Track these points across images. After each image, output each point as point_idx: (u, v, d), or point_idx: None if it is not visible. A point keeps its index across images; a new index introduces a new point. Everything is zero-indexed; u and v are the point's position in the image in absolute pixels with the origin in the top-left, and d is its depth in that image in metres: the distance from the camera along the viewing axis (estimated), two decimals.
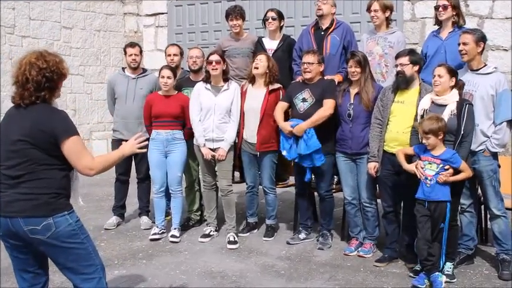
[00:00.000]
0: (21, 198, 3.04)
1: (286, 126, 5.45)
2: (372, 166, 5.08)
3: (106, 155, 3.37)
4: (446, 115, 4.58)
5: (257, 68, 5.65)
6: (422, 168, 4.57)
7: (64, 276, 3.36)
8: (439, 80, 4.63)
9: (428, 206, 4.56)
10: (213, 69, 5.62)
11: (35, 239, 3.06)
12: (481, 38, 4.85)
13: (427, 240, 4.54)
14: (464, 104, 4.62)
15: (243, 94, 5.77)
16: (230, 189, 5.74)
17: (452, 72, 4.66)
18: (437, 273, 4.48)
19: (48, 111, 3.10)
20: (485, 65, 4.93)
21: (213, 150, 5.68)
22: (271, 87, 5.69)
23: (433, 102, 4.71)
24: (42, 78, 3.08)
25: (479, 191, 5.11)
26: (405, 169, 4.69)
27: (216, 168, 5.82)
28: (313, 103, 5.43)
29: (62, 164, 3.11)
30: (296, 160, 5.46)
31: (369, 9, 5.78)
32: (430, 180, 4.53)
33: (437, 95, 4.68)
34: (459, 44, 4.86)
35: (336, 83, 5.56)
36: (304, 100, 5.48)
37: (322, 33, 5.91)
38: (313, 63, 5.42)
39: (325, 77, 5.61)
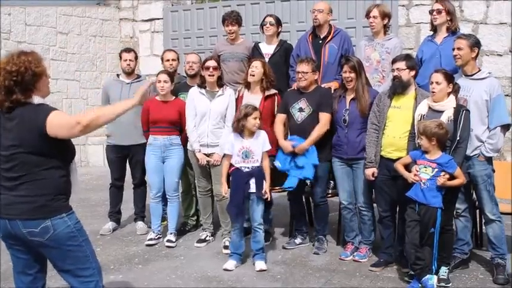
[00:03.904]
0: (19, 201, 3.05)
1: (287, 146, 5.44)
2: (370, 172, 5.08)
3: (102, 108, 3.31)
4: (443, 121, 4.60)
5: (253, 76, 5.65)
6: (417, 171, 4.59)
7: (60, 282, 3.37)
8: (437, 87, 4.64)
9: (419, 210, 4.57)
10: (209, 75, 5.62)
11: (34, 240, 3.07)
12: (475, 44, 4.87)
13: (415, 244, 4.55)
14: (461, 110, 4.63)
15: (240, 99, 5.78)
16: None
17: (450, 78, 4.68)
18: (427, 276, 4.49)
19: (27, 113, 3.06)
20: (480, 70, 4.95)
21: (208, 155, 5.68)
22: (267, 93, 5.70)
23: (430, 107, 4.73)
24: (10, 82, 3.03)
25: (474, 195, 5.13)
26: (407, 178, 4.70)
27: (211, 174, 5.82)
28: (310, 113, 5.44)
29: (58, 162, 3.11)
30: (288, 171, 5.48)
31: (367, 15, 5.79)
32: (424, 184, 4.55)
33: (434, 101, 4.70)
34: (454, 49, 4.89)
35: (333, 90, 5.59)
36: (301, 110, 5.48)
37: (320, 41, 5.94)
38: (307, 72, 5.42)
39: (322, 85, 5.63)
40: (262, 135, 5.23)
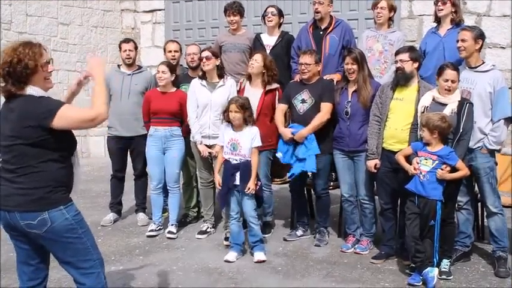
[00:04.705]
0: (17, 193, 3.04)
1: (287, 133, 5.43)
2: (372, 164, 5.07)
3: (96, 94, 3.21)
4: (446, 113, 4.58)
5: (252, 68, 5.64)
6: (417, 163, 4.57)
7: (61, 273, 3.36)
8: (453, 86, 4.63)
9: (419, 203, 4.57)
10: (203, 64, 5.62)
11: (32, 233, 3.06)
12: (480, 36, 4.85)
13: (414, 237, 4.55)
14: (464, 103, 4.62)
15: (241, 91, 5.76)
16: None
17: (459, 74, 4.67)
18: (428, 268, 4.48)
19: (26, 104, 3.03)
20: (483, 63, 4.93)
21: (210, 147, 5.67)
22: (268, 87, 5.67)
23: (434, 99, 4.71)
24: (3, 72, 3.03)
25: (476, 188, 5.12)
26: (407, 170, 4.69)
27: (213, 165, 5.81)
28: (312, 104, 5.42)
29: (57, 155, 3.08)
30: (291, 164, 5.46)
31: (374, 7, 5.78)
32: (424, 176, 4.53)
33: (440, 95, 4.68)
34: (458, 41, 4.86)
35: (335, 82, 5.57)
36: (303, 101, 5.46)
37: (321, 32, 5.91)
38: (310, 64, 5.40)
39: (324, 77, 5.61)
40: (253, 131, 5.17)
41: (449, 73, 4.64)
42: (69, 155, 3.20)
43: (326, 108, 5.37)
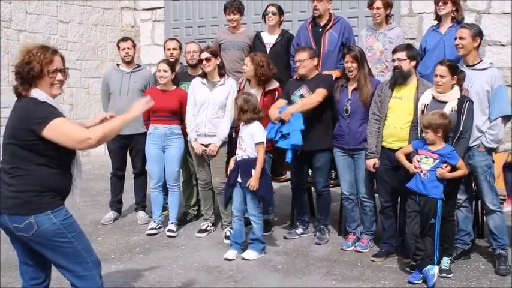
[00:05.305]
0: (8, 195, 3.04)
1: (274, 112, 5.41)
2: (371, 163, 5.07)
3: (107, 123, 3.20)
4: (446, 112, 4.57)
5: (245, 73, 5.65)
6: (418, 161, 4.57)
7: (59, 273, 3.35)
8: (441, 81, 4.62)
9: (419, 201, 4.57)
10: (204, 66, 5.63)
11: (21, 236, 3.07)
12: (478, 33, 4.85)
13: (415, 235, 4.55)
14: (465, 101, 4.61)
15: (241, 91, 5.75)
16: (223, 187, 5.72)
17: (454, 70, 4.64)
18: (429, 266, 4.48)
19: (27, 106, 3.04)
20: (481, 61, 4.93)
21: (206, 146, 5.65)
22: (267, 88, 5.66)
23: (434, 97, 4.71)
24: (15, 71, 3.08)
25: (475, 186, 5.12)
26: (408, 168, 4.68)
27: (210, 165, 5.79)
28: None
29: (48, 160, 3.06)
30: (277, 142, 5.41)
31: (370, 6, 5.77)
32: (425, 175, 4.53)
33: (438, 93, 4.68)
34: (456, 39, 4.86)
35: (334, 78, 5.56)
36: (302, 96, 5.45)
37: (320, 29, 5.90)
38: (303, 60, 5.40)
39: (323, 72, 5.60)
40: (252, 127, 5.16)
41: (438, 68, 4.65)
42: (65, 162, 3.18)
43: (319, 91, 5.34)
